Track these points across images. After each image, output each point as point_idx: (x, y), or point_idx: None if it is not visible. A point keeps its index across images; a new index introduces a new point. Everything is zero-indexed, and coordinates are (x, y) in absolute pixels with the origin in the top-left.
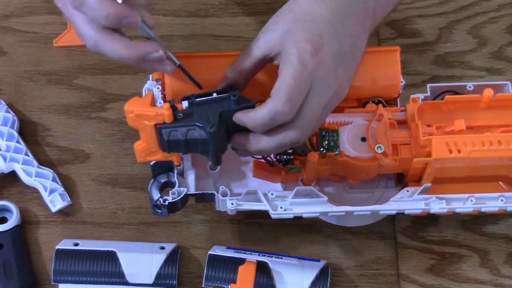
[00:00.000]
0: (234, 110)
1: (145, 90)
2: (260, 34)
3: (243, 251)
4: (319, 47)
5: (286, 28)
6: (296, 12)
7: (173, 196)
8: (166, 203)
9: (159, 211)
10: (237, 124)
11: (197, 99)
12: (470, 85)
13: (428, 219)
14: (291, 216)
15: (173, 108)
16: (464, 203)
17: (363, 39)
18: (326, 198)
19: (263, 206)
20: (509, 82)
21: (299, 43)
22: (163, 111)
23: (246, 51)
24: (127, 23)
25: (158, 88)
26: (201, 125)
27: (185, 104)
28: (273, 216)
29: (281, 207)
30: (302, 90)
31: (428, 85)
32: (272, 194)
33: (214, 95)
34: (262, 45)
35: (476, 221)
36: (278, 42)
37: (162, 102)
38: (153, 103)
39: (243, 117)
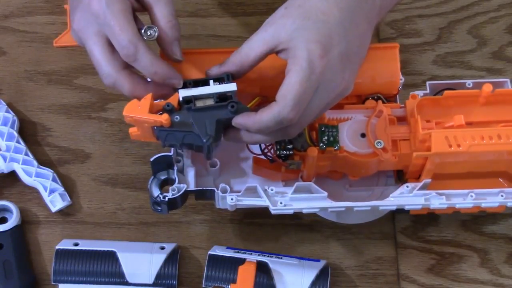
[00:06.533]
0: (231, 118)
1: None
2: (266, 26)
3: (243, 251)
4: (328, 49)
5: (296, 25)
6: (307, 8)
7: (173, 192)
8: (166, 199)
9: (159, 208)
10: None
11: (195, 107)
12: (469, 82)
13: (428, 219)
14: (291, 211)
15: (170, 111)
16: (464, 198)
17: (368, 36)
18: (325, 193)
19: (263, 201)
20: (508, 80)
21: (309, 44)
22: (161, 120)
23: (250, 43)
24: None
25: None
26: (198, 133)
27: (183, 93)
28: (273, 212)
29: (281, 203)
30: (308, 95)
31: (428, 83)
32: (272, 190)
33: (211, 82)
34: (269, 39)
35: (476, 221)
36: (287, 38)
37: None
38: (152, 105)
39: (246, 121)
